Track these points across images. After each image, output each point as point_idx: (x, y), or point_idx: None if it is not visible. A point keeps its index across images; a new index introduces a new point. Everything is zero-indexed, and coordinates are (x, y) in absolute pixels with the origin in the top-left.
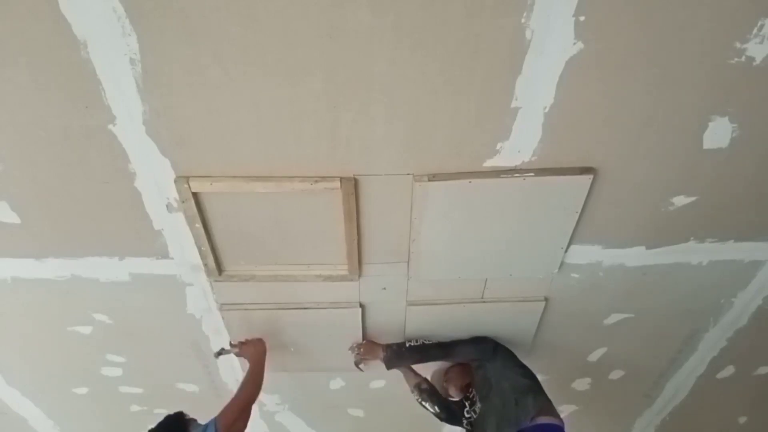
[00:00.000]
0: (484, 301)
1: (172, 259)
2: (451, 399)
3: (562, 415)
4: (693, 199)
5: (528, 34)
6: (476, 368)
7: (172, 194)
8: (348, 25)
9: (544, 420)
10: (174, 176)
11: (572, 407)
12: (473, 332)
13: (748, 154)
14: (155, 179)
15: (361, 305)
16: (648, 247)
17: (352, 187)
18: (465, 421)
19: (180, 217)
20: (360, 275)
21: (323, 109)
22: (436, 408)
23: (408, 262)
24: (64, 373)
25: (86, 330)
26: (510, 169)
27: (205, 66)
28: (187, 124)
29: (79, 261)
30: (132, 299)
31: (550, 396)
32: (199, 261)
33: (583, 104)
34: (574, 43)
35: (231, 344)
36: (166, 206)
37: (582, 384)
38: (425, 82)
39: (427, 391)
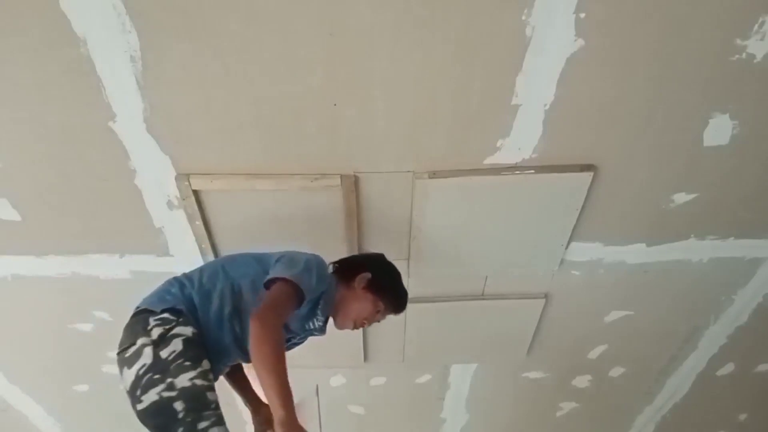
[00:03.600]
0: (484, 299)
1: (173, 256)
2: None
3: (561, 413)
4: (693, 196)
5: (528, 31)
6: None
7: (173, 192)
8: (348, 21)
9: None
10: (174, 173)
11: (572, 404)
12: (474, 329)
13: (749, 152)
14: (155, 177)
15: None
16: (648, 245)
17: (353, 184)
18: None
19: (180, 214)
20: None
21: (324, 106)
22: None
23: (408, 260)
24: (64, 371)
25: (87, 327)
26: (510, 167)
27: (206, 63)
28: (188, 121)
29: (79, 258)
30: (132, 297)
31: (550, 394)
32: (199, 258)
33: (583, 101)
34: (575, 40)
35: None
36: (167, 203)
37: (582, 381)
38: (426, 79)
39: None
